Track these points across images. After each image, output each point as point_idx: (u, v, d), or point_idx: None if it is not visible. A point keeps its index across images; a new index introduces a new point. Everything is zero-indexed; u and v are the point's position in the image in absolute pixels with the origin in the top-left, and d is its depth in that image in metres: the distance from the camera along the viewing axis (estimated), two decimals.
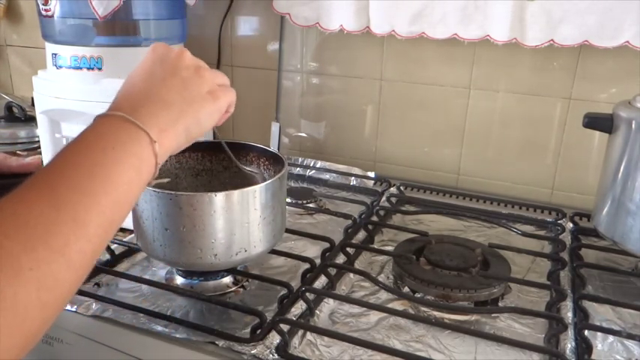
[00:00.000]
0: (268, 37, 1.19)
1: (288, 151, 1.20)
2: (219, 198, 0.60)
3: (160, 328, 0.59)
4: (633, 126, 0.72)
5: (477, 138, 1.08)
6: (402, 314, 0.63)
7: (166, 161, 0.72)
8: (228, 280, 0.69)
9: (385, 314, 0.63)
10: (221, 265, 0.64)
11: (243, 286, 0.69)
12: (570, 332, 0.59)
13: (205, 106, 0.52)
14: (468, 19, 0.97)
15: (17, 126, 1.16)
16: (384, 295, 0.69)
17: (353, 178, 1.05)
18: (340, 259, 0.75)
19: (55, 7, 0.90)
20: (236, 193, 0.61)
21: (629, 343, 0.59)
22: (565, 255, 0.78)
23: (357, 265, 0.75)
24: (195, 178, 0.77)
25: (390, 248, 0.80)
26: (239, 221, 0.61)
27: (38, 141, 1.13)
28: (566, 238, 0.84)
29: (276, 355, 0.55)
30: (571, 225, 0.89)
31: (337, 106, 1.17)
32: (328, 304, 0.65)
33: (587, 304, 0.65)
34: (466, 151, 1.10)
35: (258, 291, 0.68)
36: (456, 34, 0.99)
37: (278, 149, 1.17)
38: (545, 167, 1.05)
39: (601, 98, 0.98)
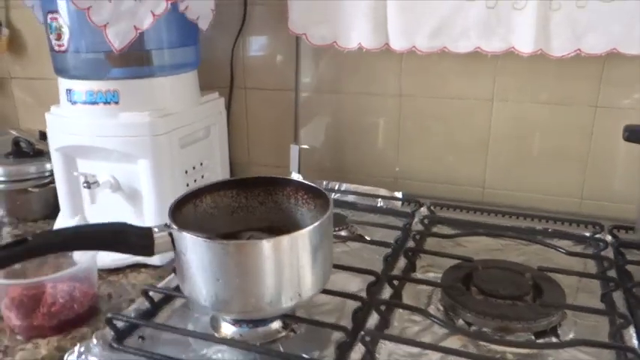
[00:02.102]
0: (281, 57, 1.16)
1: (309, 174, 1.17)
2: (271, 244, 0.57)
3: None
4: None
5: (501, 150, 1.06)
6: (465, 354, 0.60)
7: (202, 201, 0.70)
8: (277, 325, 0.66)
9: (445, 354, 0.61)
10: (274, 312, 0.61)
11: (293, 330, 0.67)
12: None
13: None
14: (490, 31, 0.95)
15: (26, 161, 1.13)
16: (439, 330, 0.66)
17: (380, 199, 1.03)
18: (386, 291, 0.73)
19: (69, 42, 0.87)
20: (286, 238, 0.58)
21: None
22: (613, 273, 0.76)
23: (405, 296, 0.73)
24: (231, 216, 0.74)
25: (433, 275, 0.78)
26: (294, 265, 0.59)
27: (49, 176, 1.09)
28: (609, 253, 0.82)
29: None
30: (610, 238, 0.87)
31: (356, 125, 1.15)
32: (385, 345, 0.63)
33: None
34: (491, 163, 1.08)
35: (310, 334, 0.66)
36: (478, 47, 0.97)
37: (299, 171, 1.14)
38: (573, 177, 1.03)
39: (625, 104, 0.97)
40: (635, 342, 0.61)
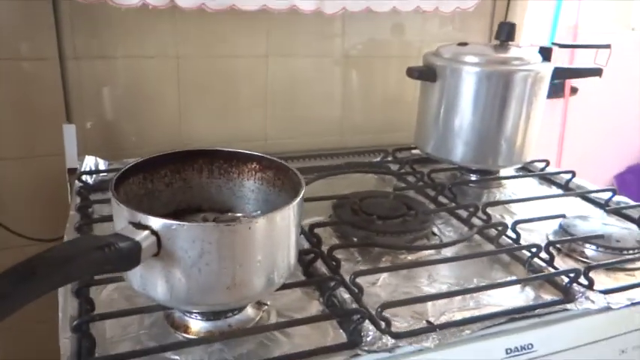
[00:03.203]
0: (23, 19, 0.91)
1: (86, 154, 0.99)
2: (280, 217, 0.53)
3: None
4: (448, 71, 0.96)
5: (276, 102, 1.15)
6: (408, 265, 0.72)
7: (119, 193, 0.57)
8: (249, 309, 0.61)
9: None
10: (270, 291, 0.57)
11: (266, 304, 0.63)
12: None
13: None
14: None
15: None
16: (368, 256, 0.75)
17: None
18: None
19: None
20: (278, 215, 0.54)
21: None
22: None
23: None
24: (141, 206, 0.61)
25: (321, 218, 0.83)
26: (292, 238, 0.57)
27: None
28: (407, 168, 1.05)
29: None
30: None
31: (131, 93, 1.03)
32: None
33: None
34: (270, 115, 1.16)
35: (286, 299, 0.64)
36: (265, 5, 1.02)
37: (77, 154, 0.96)
38: (335, 116, 1.22)
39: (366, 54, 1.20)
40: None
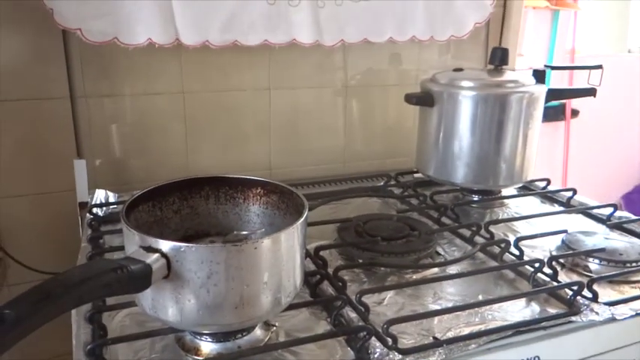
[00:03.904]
0: (35, 59, 0.96)
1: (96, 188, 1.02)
2: (285, 237, 0.55)
3: None
4: (445, 96, 0.99)
5: (280, 133, 1.18)
6: (413, 283, 0.73)
7: (129, 220, 0.59)
8: (258, 330, 0.63)
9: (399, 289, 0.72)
10: (278, 311, 0.59)
11: (274, 325, 0.64)
12: None
13: None
14: (274, 26, 1.05)
15: None
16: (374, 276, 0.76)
17: None
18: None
19: None
20: (283, 234, 0.56)
21: None
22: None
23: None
24: (149, 231, 0.63)
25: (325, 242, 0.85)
26: (297, 257, 0.58)
27: None
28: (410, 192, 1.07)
29: None
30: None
31: (139, 128, 1.06)
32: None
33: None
34: (273, 145, 1.18)
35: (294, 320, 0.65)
36: (266, 40, 1.06)
37: (88, 189, 0.98)
38: (338, 145, 1.25)
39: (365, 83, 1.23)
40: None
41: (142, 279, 0.49)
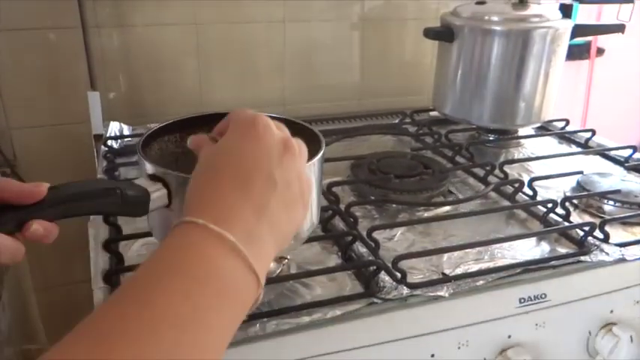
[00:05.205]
0: None
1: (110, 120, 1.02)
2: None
3: None
4: (466, 31, 0.96)
5: (294, 68, 1.15)
6: (424, 221, 0.73)
7: (151, 149, 0.59)
8: (271, 263, 0.63)
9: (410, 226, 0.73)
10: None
11: (286, 258, 0.65)
12: None
13: (297, 215, 0.43)
14: None
15: None
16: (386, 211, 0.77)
17: None
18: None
19: None
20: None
21: None
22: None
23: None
24: (175, 163, 0.63)
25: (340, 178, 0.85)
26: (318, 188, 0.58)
27: None
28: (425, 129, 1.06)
29: None
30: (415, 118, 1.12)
31: (152, 60, 1.05)
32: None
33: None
34: (288, 81, 1.17)
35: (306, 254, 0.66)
36: None
37: (102, 121, 0.99)
38: (353, 81, 1.22)
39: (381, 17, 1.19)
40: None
41: (136, 205, 0.48)
